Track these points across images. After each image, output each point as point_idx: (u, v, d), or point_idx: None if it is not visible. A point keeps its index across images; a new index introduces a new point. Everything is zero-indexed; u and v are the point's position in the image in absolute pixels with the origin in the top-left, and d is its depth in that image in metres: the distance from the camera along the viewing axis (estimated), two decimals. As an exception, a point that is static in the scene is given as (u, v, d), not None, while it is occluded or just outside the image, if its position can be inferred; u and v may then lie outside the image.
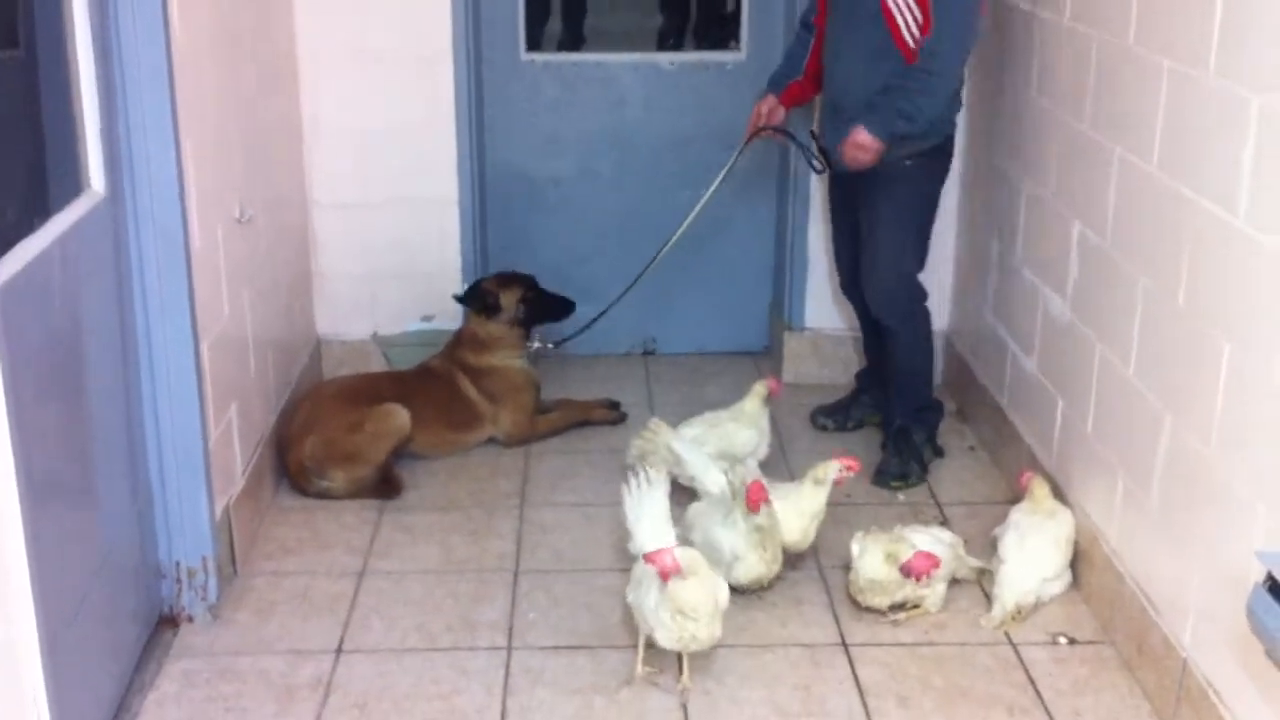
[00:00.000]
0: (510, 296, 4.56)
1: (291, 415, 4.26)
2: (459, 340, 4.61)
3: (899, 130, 3.91)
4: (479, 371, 4.53)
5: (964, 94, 4.62)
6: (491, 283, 4.60)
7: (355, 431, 4.19)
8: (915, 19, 3.86)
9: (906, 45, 3.89)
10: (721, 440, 4.09)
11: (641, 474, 3.24)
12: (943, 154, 4.16)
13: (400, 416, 4.26)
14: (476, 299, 4.55)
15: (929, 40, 3.84)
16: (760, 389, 4.20)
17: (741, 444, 4.10)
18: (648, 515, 3.20)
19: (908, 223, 4.17)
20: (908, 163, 4.03)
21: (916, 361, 4.36)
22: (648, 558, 3.06)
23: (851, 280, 4.43)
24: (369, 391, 4.37)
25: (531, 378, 4.64)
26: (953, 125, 4.15)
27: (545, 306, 4.64)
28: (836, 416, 4.72)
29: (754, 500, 3.42)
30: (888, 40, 3.90)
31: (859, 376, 4.80)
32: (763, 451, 4.17)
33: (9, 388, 2.28)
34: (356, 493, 4.15)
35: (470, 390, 4.50)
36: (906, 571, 3.40)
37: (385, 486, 4.18)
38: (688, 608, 3.03)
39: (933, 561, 3.41)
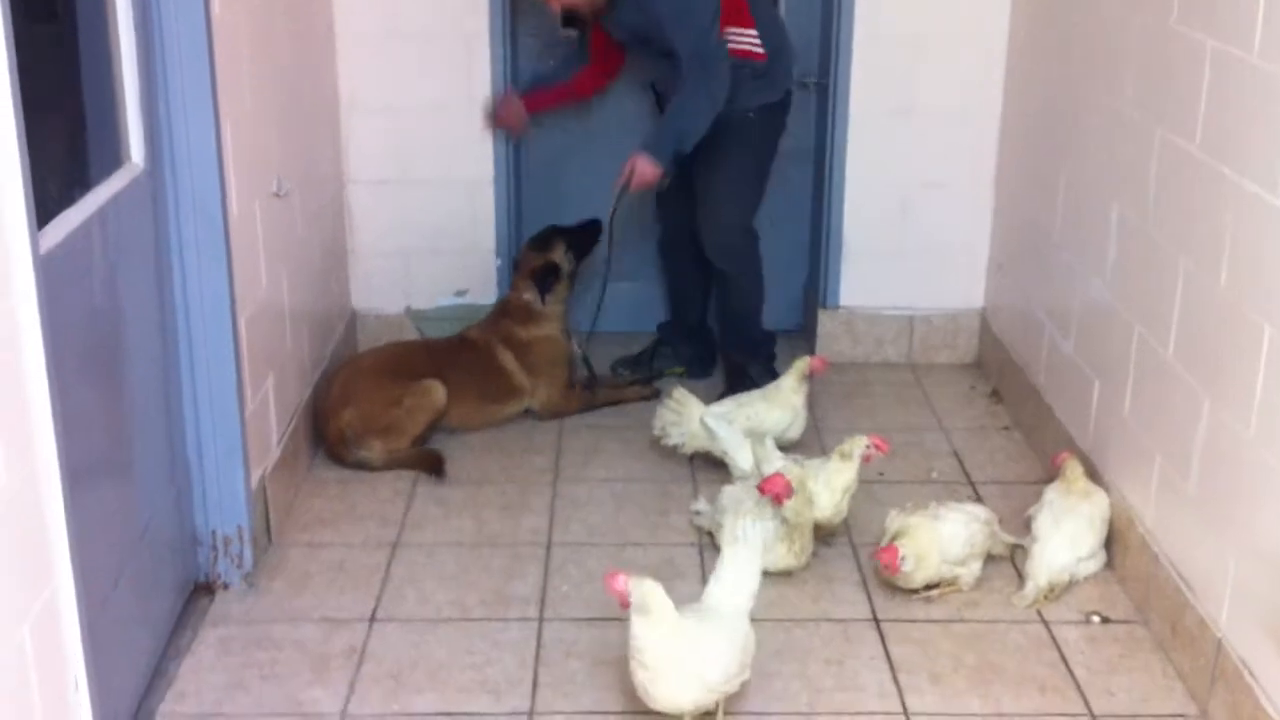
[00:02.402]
0: (558, 253, 4.57)
1: (329, 386, 4.28)
2: (505, 311, 4.60)
3: (678, 149, 4.22)
4: (523, 343, 4.53)
5: (1002, 73, 4.63)
6: (536, 256, 4.58)
7: (394, 405, 4.22)
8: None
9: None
10: (750, 419, 4.08)
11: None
12: (782, 108, 4.47)
13: (438, 393, 4.29)
14: (545, 278, 4.52)
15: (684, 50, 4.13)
16: (801, 365, 4.18)
17: (772, 423, 4.10)
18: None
19: (749, 172, 4.46)
20: (751, 114, 4.33)
21: (752, 302, 4.65)
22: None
23: (676, 235, 4.70)
24: (407, 365, 4.38)
25: (569, 352, 4.65)
26: (791, 82, 4.47)
27: (582, 245, 4.63)
28: (636, 367, 4.89)
29: (770, 493, 3.42)
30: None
31: (660, 328, 4.98)
32: (795, 432, 4.16)
33: (51, 358, 2.30)
34: (393, 464, 4.18)
35: (510, 362, 4.50)
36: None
37: (426, 461, 4.19)
38: (636, 649, 2.79)
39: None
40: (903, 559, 3.38)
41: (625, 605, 2.76)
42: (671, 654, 2.77)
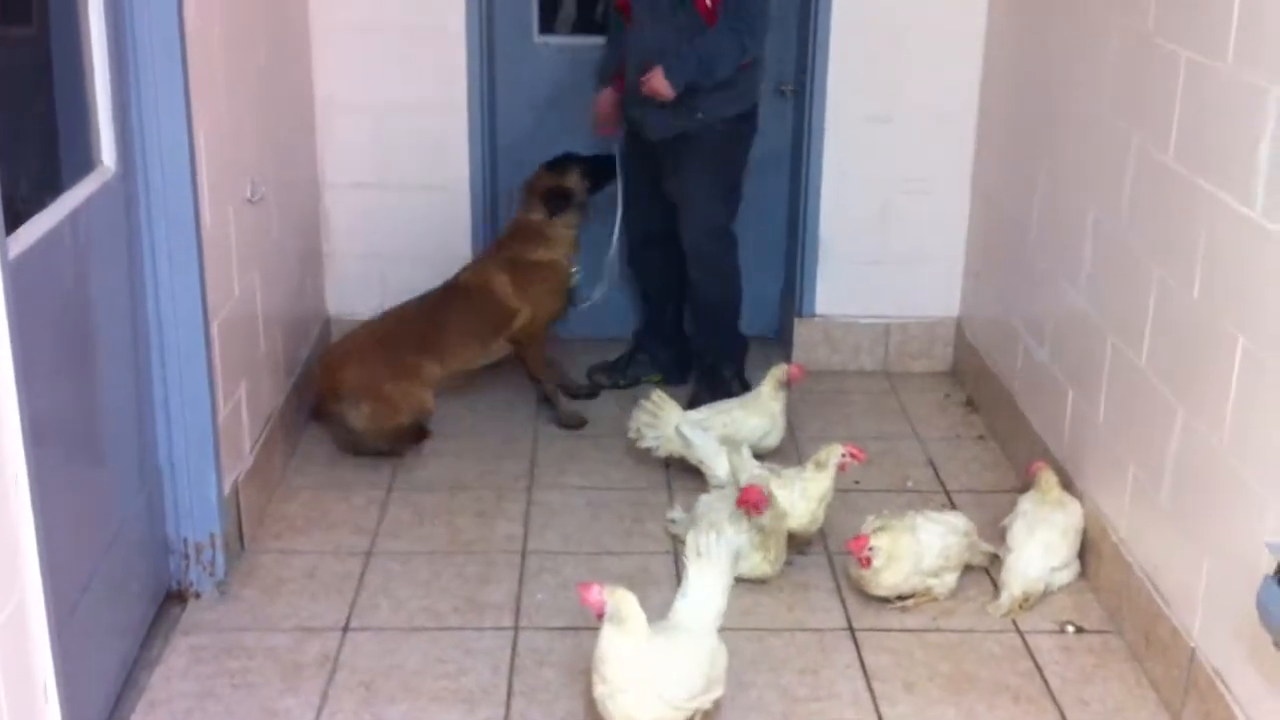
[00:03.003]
0: (573, 179, 4.54)
1: (338, 343, 4.44)
2: (513, 232, 4.57)
3: (693, 79, 4.24)
4: (526, 264, 4.50)
5: (979, 80, 4.66)
6: (549, 177, 4.54)
7: (395, 380, 4.26)
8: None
9: (708, 11, 4.24)
10: (727, 426, 4.08)
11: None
12: (750, 121, 4.51)
13: (428, 398, 4.33)
14: (555, 199, 4.49)
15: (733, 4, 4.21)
16: (779, 372, 4.19)
17: (749, 431, 4.10)
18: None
19: (721, 182, 4.52)
20: (719, 128, 4.38)
21: (729, 306, 4.70)
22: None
23: (646, 243, 4.74)
24: (414, 339, 4.36)
25: (567, 285, 4.60)
26: (760, 95, 4.51)
27: (597, 175, 4.60)
28: (613, 374, 4.89)
29: (747, 504, 3.41)
30: (697, 24, 4.24)
31: (636, 335, 5.00)
32: (773, 440, 4.16)
33: (20, 363, 2.27)
34: (375, 433, 4.23)
35: (504, 287, 4.47)
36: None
37: (409, 433, 4.30)
38: (599, 660, 2.76)
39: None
40: (872, 549, 3.38)
41: (600, 615, 2.73)
42: (632, 669, 2.73)
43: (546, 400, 4.64)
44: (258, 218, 3.88)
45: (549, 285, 4.55)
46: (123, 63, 3.06)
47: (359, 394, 4.21)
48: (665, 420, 4.09)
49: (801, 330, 5.04)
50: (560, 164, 4.59)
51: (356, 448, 4.27)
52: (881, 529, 3.44)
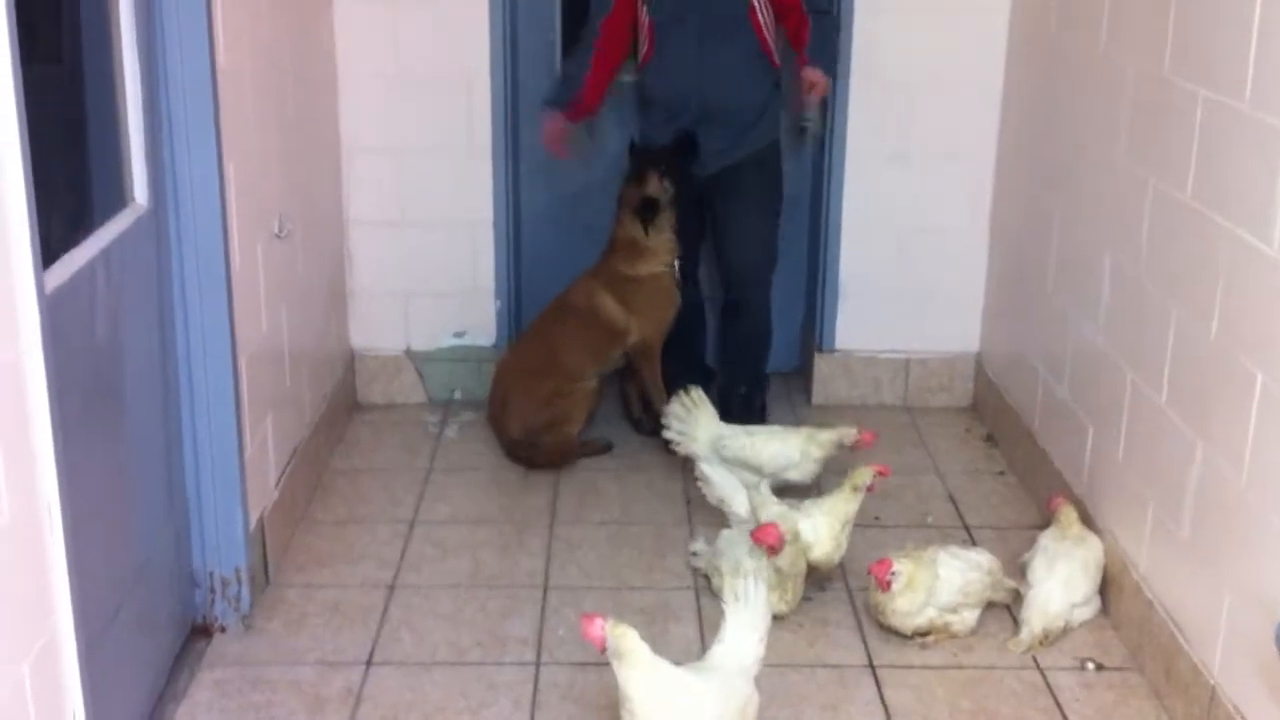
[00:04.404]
0: (653, 184, 4.48)
1: (491, 402, 4.67)
2: (613, 248, 4.58)
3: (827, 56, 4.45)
4: (629, 280, 4.53)
5: (997, 120, 4.71)
6: (634, 190, 4.50)
7: (550, 402, 4.47)
8: (771, 20, 4.41)
9: (770, 50, 4.43)
10: (745, 449, 4.08)
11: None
12: (779, 143, 4.64)
13: (590, 387, 4.56)
14: (644, 211, 4.47)
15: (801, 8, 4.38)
16: (848, 435, 4.15)
17: (769, 457, 4.09)
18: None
19: (776, 205, 4.65)
20: (768, 151, 4.55)
21: (767, 335, 4.79)
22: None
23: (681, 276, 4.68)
24: (544, 355, 4.53)
25: (675, 294, 4.60)
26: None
27: (678, 168, 4.50)
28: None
29: (764, 544, 3.43)
30: (756, 46, 4.40)
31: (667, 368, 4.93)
32: (797, 475, 4.10)
33: (54, 396, 2.32)
34: (569, 454, 4.52)
35: (609, 306, 4.53)
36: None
37: (595, 448, 4.60)
38: (625, 697, 2.72)
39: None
40: (894, 574, 3.39)
41: (602, 650, 2.70)
42: (661, 705, 2.70)
43: (655, 426, 4.50)
44: (285, 254, 3.93)
45: (655, 299, 4.57)
46: (155, 100, 3.12)
47: (536, 433, 4.48)
48: (694, 422, 4.12)
49: (822, 365, 5.06)
50: (639, 171, 4.52)
51: (564, 462, 4.51)
52: (905, 557, 3.45)
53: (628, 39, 4.58)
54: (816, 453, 4.13)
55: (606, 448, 4.66)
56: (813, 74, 4.38)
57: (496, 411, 4.63)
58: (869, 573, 3.48)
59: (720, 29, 4.37)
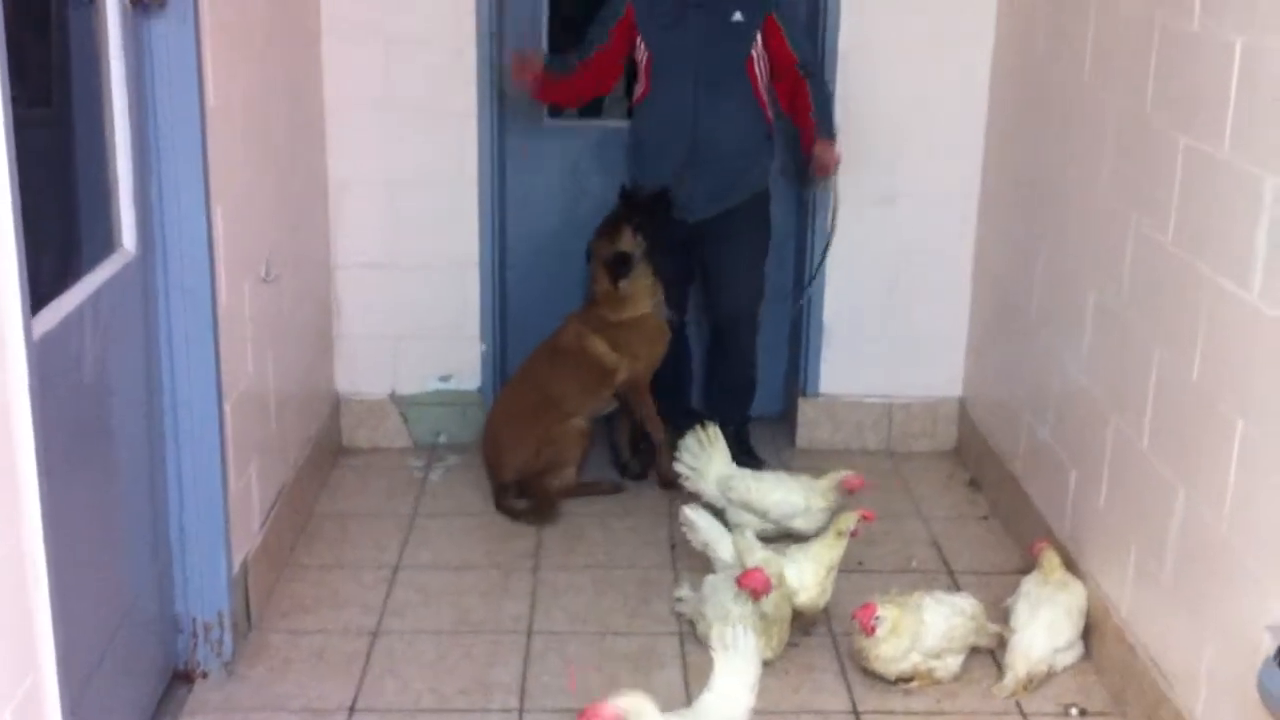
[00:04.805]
0: (626, 239, 4.52)
1: (484, 449, 4.66)
2: (593, 299, 4.63)
3: (834, 120, 4.57)
4: (614, 325, 4.58)
5: (980, 162, 4.76)
6: (604, 242, 4.55)
7: (544, 446, 4.47)
8: (766, 73, 4.49)
9: (765, 102, 4.53)
10: (750, 493, 4.09)
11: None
12: (768, 189, 4.73)
13: (580, 426, 4.56)
14: (616, 266, 4.52)
15: (803, 54, 4.49)
16: (838, 479, 4.14)
17: (773, 504, 4.08)
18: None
19: (764, 250, 4.75)
20: (758, 197, 4.64)
21: (754, 380, 4.88)
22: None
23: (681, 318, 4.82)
24: (534, 398, 4.55)
25: (663, 331, 4.66)
26: None
27: (652, 223, 4.53)
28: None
29: (749, 588, 3.43)
30: (751, 96, 4.49)
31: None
32: (803, 524, 4.08)
33: (41, 442, 2.32)
34: (569, 494, 4.52)
35: (598, 347, 4.57)
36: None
37: (600, 488, 4.64)
38: None
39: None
40: (878, 619, 3.40)
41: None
42: None
43: (651, 452, 4.72)
44: (271, 297, 3.94)
45: (643, 339, 4.62)
46: (144, 144, 3.13)
47: (532, 480, 4.49)
48: (707, 459, 4.16)
49: (805, 409, 5.07)
50: (612, 225, 4.57)
51: (557, 507, 4.49)
52: (890, 602, 3.46)
53: (618, 74, 4.65)
54: (821, 503, 4.11)
55: (616, 488, 4.68)
56: (825, 153, 4.50)
57: (490, 455, 4.63)
58: (853, 618, 3.48)
59: (718, 75, 4.44)
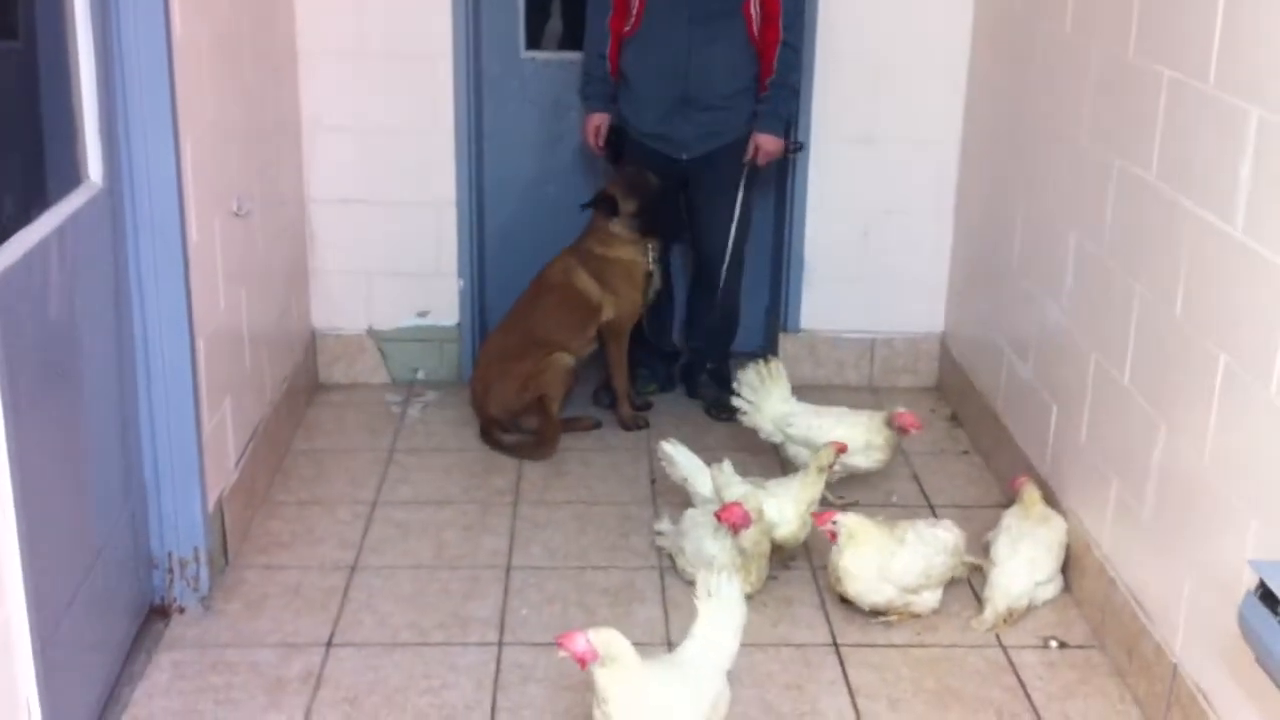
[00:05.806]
0: (629, 204, 4.57)
1: (472, 385, 4.64)
2: (589, 229, 4.66)
3: (791, 112, 4.57)
4: (600, 261, 4.60)
5: (962, 102, 4.71)
6: (617, 186, 4.61)
7: (529, 381, 4.48)
8: (759, 13, 4.40)
9: (755, 39, 4.42)
10: (811, 430, 4.04)
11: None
12: None
13: (565, 361, 4.54)
14: (601, 201, 4.59)
15: (786, 19, 4.39)
16: (888, 417, 4.08)
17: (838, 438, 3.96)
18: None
19: (752, 188, 4.69)
20: (746, 136, 4.54)
21: (737, 305, 4.86)
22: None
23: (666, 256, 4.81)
24: (522, 336, 4.55)
25: (647, 284, 4.68)
26: None
27: (658, 223, 4.62)
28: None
29: (728, 523, 3.42)
30: (745, 37, 4.40)
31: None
32: (866, 462, 4.05)
33: (5, 378, 2.28)
34: (555, 431, 4.48)
35: (584, 281, 4.59)
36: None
37: (581, 424, 4.63)
38: (602, 699, 2.62)
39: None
40: (835, 523, 3.41)
41: (585, 666, 2.58)
42: (637, 704, 2.61)
43: (612, 399, 4.74)
44: (244, 233, 3.88)
45: (628, 280, 4.63)
46: (110, 77, 3.07)
47: (517, 415, 4.50)
48: (765, 393, 4.14)
49: (787, 345, 5.05)
50: (633, 185, 4.58)
51: (551, 446, 4.46)
52: (848, 508, 3.47)
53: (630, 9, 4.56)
54: (879, 439, 4.05)
55: (595, 424, 4.68)
56: (767, 141, 4.52)
57: (478, 392, 4.60)
58: (814, 522, 3.50)
59: (713, 14, 4.36)
